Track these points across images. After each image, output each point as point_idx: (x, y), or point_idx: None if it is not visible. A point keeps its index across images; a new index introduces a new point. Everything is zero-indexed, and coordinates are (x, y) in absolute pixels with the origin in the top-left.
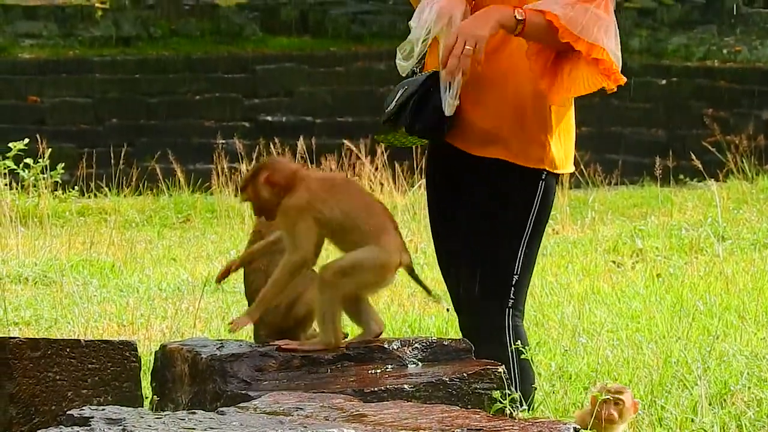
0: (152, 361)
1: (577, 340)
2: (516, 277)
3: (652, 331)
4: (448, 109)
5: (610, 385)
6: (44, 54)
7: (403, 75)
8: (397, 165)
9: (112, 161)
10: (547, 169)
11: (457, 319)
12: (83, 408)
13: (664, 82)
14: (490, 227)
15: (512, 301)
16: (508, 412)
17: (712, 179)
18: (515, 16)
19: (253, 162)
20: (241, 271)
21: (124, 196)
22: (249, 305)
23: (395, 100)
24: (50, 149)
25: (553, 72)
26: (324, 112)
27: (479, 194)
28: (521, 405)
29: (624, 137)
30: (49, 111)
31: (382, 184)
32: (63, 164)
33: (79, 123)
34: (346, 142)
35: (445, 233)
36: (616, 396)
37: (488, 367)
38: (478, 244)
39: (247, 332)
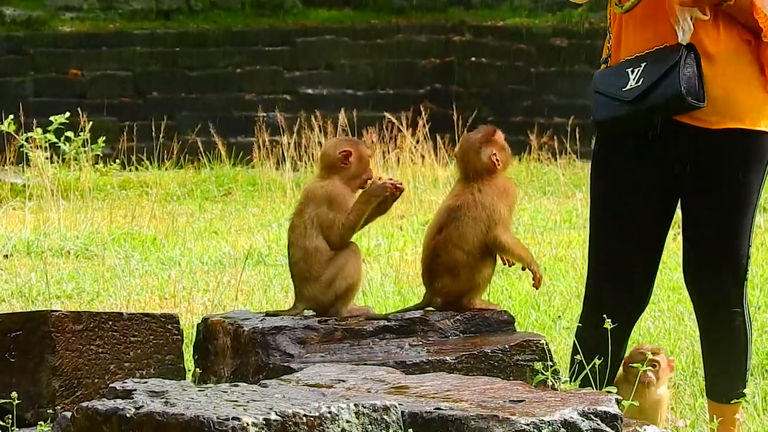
0: (194, 334)
1: None
2: (750, 246)
3: None
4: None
5: (645, 347)
6: (84, 27)
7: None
8: (438, 137)
9: (153, 134)
10: None
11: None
12: (126, 381)
13: None
14: (734, 198)
15: (749, 270)
16: (550, 383)
17: None
18: None
19: (294, 135)
20: (284, 243)
21: (166, 169)
22: (294, 279)
23: (636, 78)
24: (91, 122)
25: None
26: (365, 85)
27: (723, 167)
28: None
29: None
30: (89, 84)
31: (423, 157)
32: (104, 137)
33: (120, 96)
34: (387, 114)
35: (656, 222)
36: (652, 359)
37: (530, 338)
38: (724, 219)
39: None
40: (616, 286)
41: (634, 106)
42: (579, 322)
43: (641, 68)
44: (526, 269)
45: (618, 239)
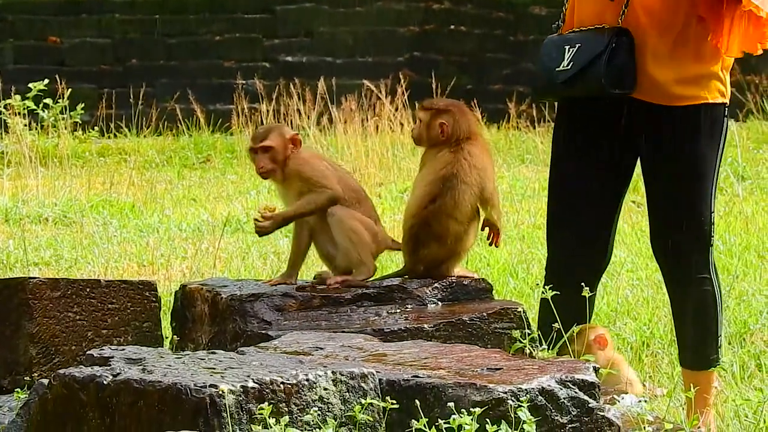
0: (172, 302)
1: None
2: (713, 212)
3: None
4: None
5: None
6: None
7: None
8: (417, 105)
9: (132, 101)
10: (726, 101)
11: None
12: (103, 348)
13: None
14: (690, 168)
15: (713, 237)
16: (528, 351)
17: (732, 119)
18: None
19: (273, 102)
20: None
21: (144, 136)
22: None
23: (569, 59)
24: (70, 90)
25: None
26: (344, 53)
27: (673, 141)
28: (719, 342)
29: None
30: (68, 51)
31: (402, 125)
32: (83, 105)
33: (99, 63)
34: (366, 82)
35: (612, 195)
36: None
37: (508, 306)
38: (681, 189)
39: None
40: (571, 243)
41: (563, 89)
42: (543, 285)
43: (575, 50)
44: (486, 228)
45: (572, 193)
